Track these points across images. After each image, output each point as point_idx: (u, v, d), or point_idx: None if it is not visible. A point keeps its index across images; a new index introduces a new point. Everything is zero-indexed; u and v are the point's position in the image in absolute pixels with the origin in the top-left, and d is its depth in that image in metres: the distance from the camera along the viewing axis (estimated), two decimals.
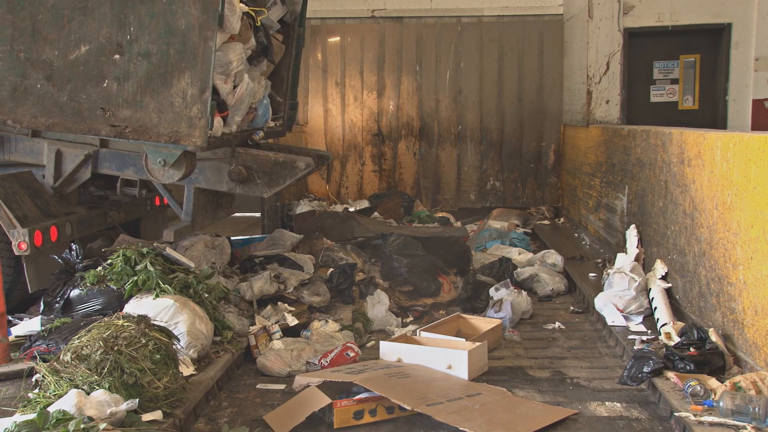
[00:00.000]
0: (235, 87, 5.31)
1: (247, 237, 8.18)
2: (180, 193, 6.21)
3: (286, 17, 6.68)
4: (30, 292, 5.29)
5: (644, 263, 5.77)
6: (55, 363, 3.56)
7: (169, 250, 4.95)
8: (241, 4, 5.20)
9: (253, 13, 5.49)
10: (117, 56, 4.46)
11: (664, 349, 4.24)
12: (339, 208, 10.02)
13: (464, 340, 4.84)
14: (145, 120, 4.59)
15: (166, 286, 4.59)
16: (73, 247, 5.11)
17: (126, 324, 3.69)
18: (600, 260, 7.02)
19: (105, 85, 4.48)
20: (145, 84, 4.54)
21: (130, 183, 6.17)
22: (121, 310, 4.40)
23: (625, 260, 5.75)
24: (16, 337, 4.74)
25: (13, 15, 4.30)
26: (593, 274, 6.59)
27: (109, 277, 4.73)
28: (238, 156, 5.56)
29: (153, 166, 5.11)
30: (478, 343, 4.66)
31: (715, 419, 3.44)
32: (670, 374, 4.00)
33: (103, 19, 4.40)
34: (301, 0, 6.76)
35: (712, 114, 9.17)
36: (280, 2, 6.43)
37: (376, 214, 9.59)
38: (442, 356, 4.52)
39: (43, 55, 4.39)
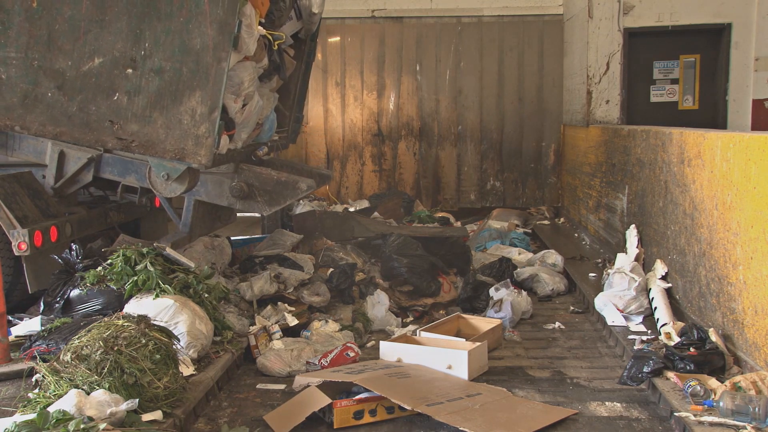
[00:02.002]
0: (244, 105, 5.32)
1: (247, 237, 8.19)
2: (179, 202, 6.21)
3: (300, 33, 6.69)
4: (30, 292, 5.29)
5: (644, 263, 5.77)
6: (55, 363, 3.56)
7: (169, 250, 4.95)
8: (260, 27, 5.20)
9: (270, 38, 5.49)
10: (130, 70, 4.47)
11: (664, 349, 4.24)
12: (339, 208, 10.02)
13: (464, 340, 4.84)
14: (152, 135, 4.59)
15: (166, 286, 4.59)
16: (73, 247, 5.11)
17: (126, 324, 3.68)
18: (600, 260, 7.02)
19: (115, 98, 4.49)
20: (156, 100, 4.54)
21: (131, 189, 6.18)
22: (121, 310, 4.40)
23: (625, 260, 5.75)
24: (16, 337, 4.74)
25: (30, 23, 4.29)
26: (593, 274, 6.59)
27: (109, 277, 4.73)
28: (241, 172, 5.57)
29: (156, 178, 5.13)
30: (478, 343, 4.66)
31: (715, 419, 3.43)
32: (670, 374, 4.00)
33: (119, 33, 4.41)
34: (318, 20, 6.77)
35: (712, 114, 9.17)
36: (296, 17, 6.42)
37: (376, 214, 9.60)
38: (442, 356, 4.52)
39: (56, 64, 4.39)
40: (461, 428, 3.61)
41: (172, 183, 5.09)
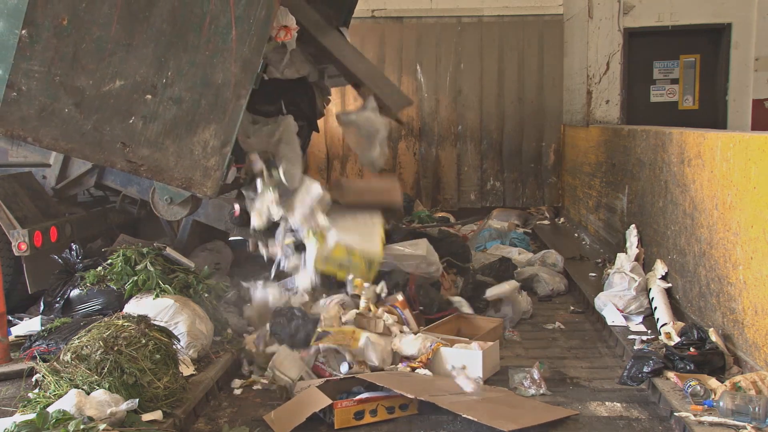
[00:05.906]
0: None
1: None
2: None
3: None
4: (30, 292, 5.29)
5: (644, 263, 5.77)
6: (55, 363, 3.56)
7: (169, 250, 4.96)
8: None
9: None
10: (149, 96, 4.48)
11: (664, 349, 4.24)
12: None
13: (468, 339, 4.83)
14: (161, 162, 4.61)
15: (166, 286, 4.59)
16: (73, 247, 5.12)
17: (126, 324, 3.69)
18: (600, 260, 7.02)
19: (131, 121, 4.51)
20: (170, 128, 4.56)
21: (132, 199, 6.20)
22: (121, 310, 4.40)
23: (625, 260, 5.75)
24: (16, 337, 4.74)
25: (58, 40, 4.30)
26: (593, 274, 6.59)
27: (109, 277, 4.73)
28: (243, 199, 5.57)
29: (158, 201, 5.16)
30: (490, 343, 4.64)
31: (715, 419, 3.43)
32: (670, 374, 4.00)
33: (144, 59, 4.43)
34: None
35: (712, 114, 9.17)
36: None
37: None
38: (455, 356, 4.48)
39: (77, 82, 4.40)
40: (464, 415, 3.60)
41: (175, 207, 5.13)
